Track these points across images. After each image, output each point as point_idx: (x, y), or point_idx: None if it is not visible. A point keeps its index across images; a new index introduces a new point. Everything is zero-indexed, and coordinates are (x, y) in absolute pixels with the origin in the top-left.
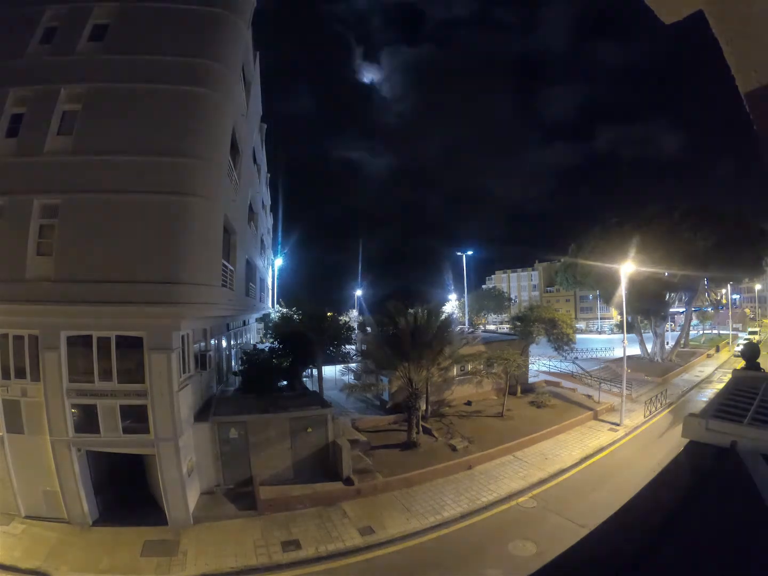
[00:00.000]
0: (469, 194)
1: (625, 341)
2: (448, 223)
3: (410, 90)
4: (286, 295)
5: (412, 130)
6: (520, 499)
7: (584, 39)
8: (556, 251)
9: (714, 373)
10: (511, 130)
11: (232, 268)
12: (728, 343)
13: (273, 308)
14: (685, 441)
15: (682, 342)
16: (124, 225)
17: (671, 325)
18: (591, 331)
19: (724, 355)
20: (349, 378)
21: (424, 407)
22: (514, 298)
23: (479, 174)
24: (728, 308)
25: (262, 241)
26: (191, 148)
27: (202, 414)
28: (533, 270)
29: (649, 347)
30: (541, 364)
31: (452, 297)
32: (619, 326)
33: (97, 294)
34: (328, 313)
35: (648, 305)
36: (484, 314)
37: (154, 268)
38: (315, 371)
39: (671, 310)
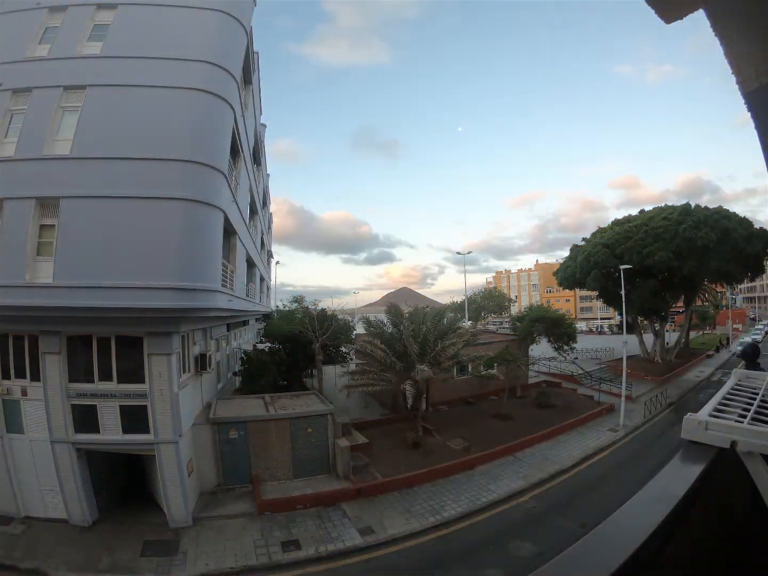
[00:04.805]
0: None
1: (625, 341)
2: None
3: None
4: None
5: None
6: (521, 499)
7: None
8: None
9: (714, 374)
10: None
11: (232, 268)
12: (728, 343)
13: (273, 308)
14: (685, 441)
15: (682, 342)
16: (123, 228)
17: (671, 325)
18: (591, 331)
19: (724, 355)
20: (349, 378)
21: (424, 407)
22: (514, 298)
23: None
24: (728, 308)
25: (262, 240)
26: (191, 150)
27: (202, 414)
28: (533, 270)
29: (649, 347)
30: (541, 364)
31: (452, 297)
32: (619, 326)
33: (96, 297)
34: (329, 313)
35: (648, 305)
36: (485, 315)
37: (155, 272)
38: (315, 371)
39: (671, 310)
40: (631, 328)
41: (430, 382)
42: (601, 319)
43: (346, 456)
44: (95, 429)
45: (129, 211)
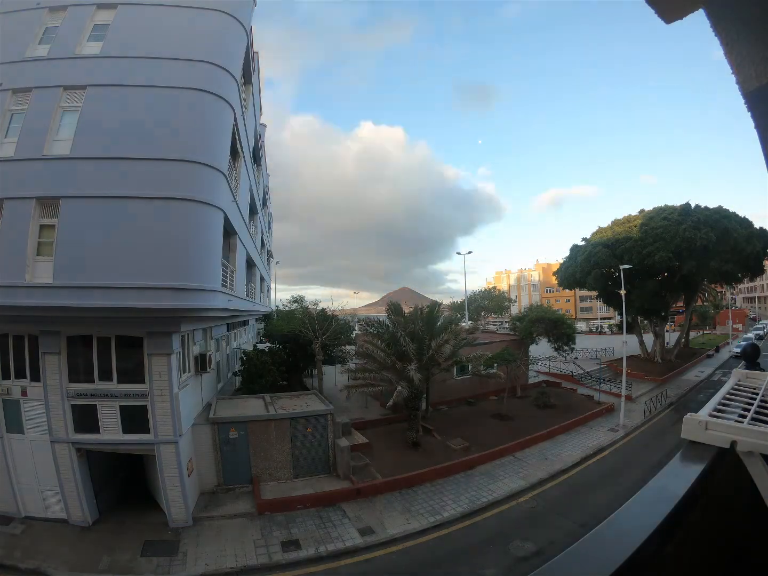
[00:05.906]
0: None
1: (625, 341)
2: None
3: None
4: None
5: None
6: (521, 499)
7: None
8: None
9: (714, 374)
10: None
11: (232, 268)
12: (728, 343)
13: (273, 308)
14: (685, 441)
15: (682, 342)
16: (123, 228)
17: (671, 325)
18: (591, 331)
19: (723, 355)
20: (349, 378)
21: (424, 407)
22: (514, 298)
23: None
24: (728, 308)
25: (261, 240)
26: (191, 150)
27: (202, 414)
28: (533, 270)
29: (649, 347)
30: (541, 364)
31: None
32: (619, 326)
33: (96, 297)
34: (329, 313)
35: (648, 305)
36: (485, 315)
37: (155, 272)
38: (315, 371)
39: (671, 310)
40: (631, 328)
41: (430, 382)
42: (601, 319)
43: (346, 456)
44: (95, 429)
45: (129, 211)
